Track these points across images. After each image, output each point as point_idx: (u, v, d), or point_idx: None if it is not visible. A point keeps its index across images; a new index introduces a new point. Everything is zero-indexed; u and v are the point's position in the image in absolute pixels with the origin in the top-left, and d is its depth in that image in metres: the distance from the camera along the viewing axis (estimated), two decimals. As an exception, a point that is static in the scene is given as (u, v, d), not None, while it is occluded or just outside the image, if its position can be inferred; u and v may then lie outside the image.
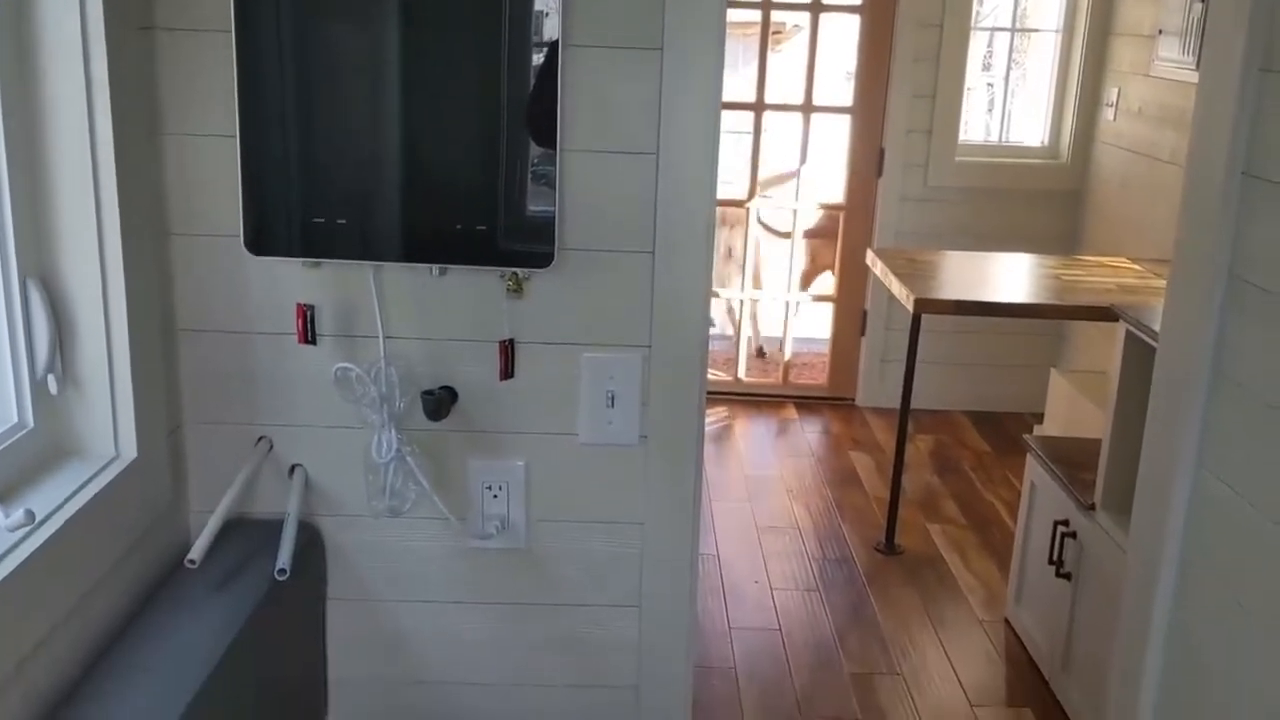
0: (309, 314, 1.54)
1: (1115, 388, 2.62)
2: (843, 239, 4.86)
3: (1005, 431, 4.62)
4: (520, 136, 1.49)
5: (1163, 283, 3.48)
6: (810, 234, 5.49)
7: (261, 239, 1.46)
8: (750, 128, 4.80)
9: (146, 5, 1.46)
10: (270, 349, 1.58)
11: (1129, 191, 4.24)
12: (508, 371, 1.60)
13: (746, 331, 5.04)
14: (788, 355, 5.02)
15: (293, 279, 1.55)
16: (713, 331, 5.53)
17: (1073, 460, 2.91)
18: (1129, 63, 4.31)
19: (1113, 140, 4.41)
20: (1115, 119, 4.40)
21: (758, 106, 4.74)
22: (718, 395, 4.95)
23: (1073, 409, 4.10)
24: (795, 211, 4.95)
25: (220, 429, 1.62)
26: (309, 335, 1.55)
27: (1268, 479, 1.53)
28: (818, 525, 3.78)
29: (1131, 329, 2.55)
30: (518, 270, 1.56)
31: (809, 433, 4.62)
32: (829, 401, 4.94)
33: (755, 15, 4.70)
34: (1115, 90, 4.40)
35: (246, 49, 1.41)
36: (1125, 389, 2.61)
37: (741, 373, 5.02)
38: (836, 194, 4.89)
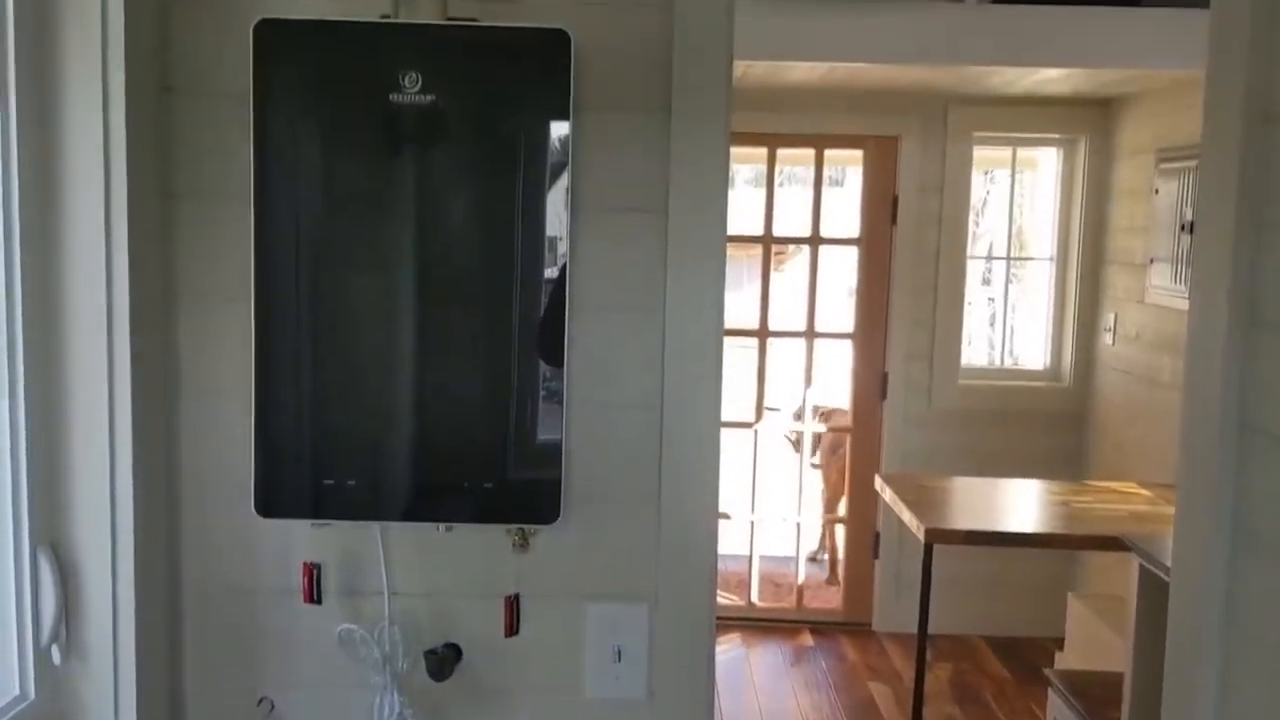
0: (315, 573, 1.55)
1: (1133, 624, 2.57)
2: (851, 461, 4.88)
3: (1025, 658, 4.50)
4: (526, 397, 1.54)
5: (1173, 509, 3.47)
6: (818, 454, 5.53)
7: (272, 502, 1.48)
8: (755, 348, 4.90)
9: (170, 275, 1.53)
10: (274, 608, 1.58)
11: (1133, 415, 4.29)
12: (513, 628, 1.59)
13: (760, 551, 4.99)
14: (800, 578, 4.95)
15: (300, 538, 1.56)
16: (723, 552, 5.49)
17: (1096, 696, 2.83)
18: (1123, 289, 4.43)
19: (1113, 364, 4.49)
20: (1114, 343, 4.49)
21: (761, 333, 4.85)
22: (730, 620, 4.85)
23: (1092, 636, 4.02)
24: (801, 434, 4.99)
25: (221, 690, 1.59)
26: (314, 594, 1.55)
27: (1294, 737, 1.49)
28: (836, 763, 3.64)
29: (1144, 564, 2.53)
30: (524, 526, 1.57)
31: (825, 661, 4.50)
32: (845, 627, 4.84)
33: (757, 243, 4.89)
34: (1112, 316, 4.51)
35: (263, 320, 1.47)
36: (1143, 624, 2.56)
37: (754, 597, 4.94)
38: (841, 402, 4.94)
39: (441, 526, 1.56)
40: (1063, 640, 4.37)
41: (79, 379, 1.39)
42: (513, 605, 1.58)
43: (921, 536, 3.19)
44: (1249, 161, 1.61)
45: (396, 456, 1.51)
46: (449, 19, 1.47)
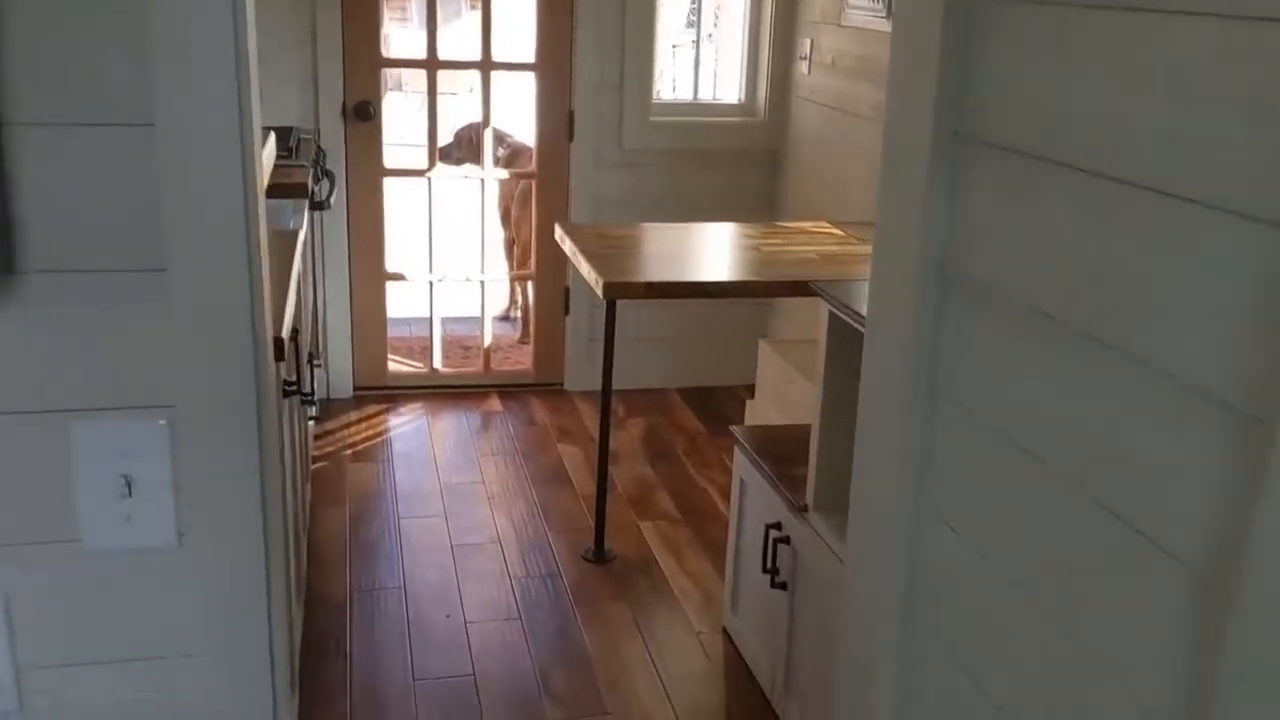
0: None
1: (822, 378, 2.32)
2: (538, 210, 4.44)
3: (718, 408, 4.37)
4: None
5: (866, 249, 3.27)
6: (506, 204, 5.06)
7: None
8: (424, 87, 4.28)
9: None
10: None
11: (827, 150, 4.04)
12: (-49, 462, 1.07)
13: (441, 313, 4.54)
14: (488, 340, 4.57)
15: None
16: (404, 315, 5.01)
17: (783, 454, 2.62)
18: (820, 11, 4.09)
19: (808, 95, 4.20)
20: (810, 72, 4.18)
21: (430, 64, 4.22)
22: (411, 390, 4.44)
23: (784, 381, 3.87)
24: (483, 180, 4.48)
25: None
26: None
27: (999, 526, 1.22)
28: (521, 536, 3.36)
29: (835, 311, 2.25)
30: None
31: (514, 426, 4.20)
32: (536, 389, 4.54)
33: (421, -39, 4.17)
34: (808, 42, 4.18)
35: None
36: (833, 377, 2.32)
37: (437, 363, 4.53)
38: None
39: None
40: (753, 387, 4.25)
41: None
42: (-60, 431, 1.05)
43: (600, 292, 2.82)
44: None
45: None
46: None
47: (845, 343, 2.29)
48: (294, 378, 2.27)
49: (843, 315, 2.20)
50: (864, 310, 2.07)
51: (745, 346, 4.46)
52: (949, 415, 1.29)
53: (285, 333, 2.00)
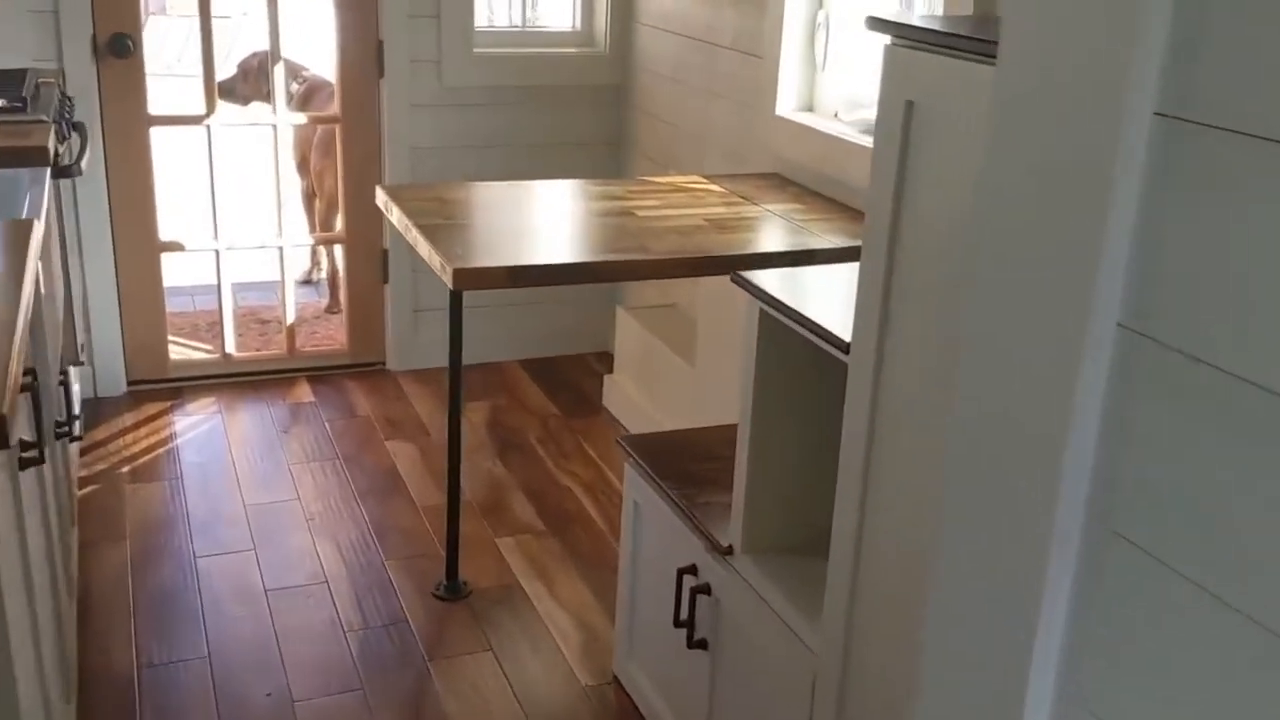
0: None
1: (751, 394, 1.82)
2: (344, 159, 3.75)
3: (569, 383, 3.84)
4: None
5: (756, 210, 2.77)
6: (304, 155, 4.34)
7: None
8: (195, 11, 3.51)
9: None
10: None
11: (684, 88, 3.51)
12: None
13: (232, 279, 3.80)
14: (291, 318, 3.87)
15: None
16: (183, 284, 4.24)
17: (689, 473, 2.12)
18: (670, -75, 3.53)
19: (659, 22, 3.64)
20: (659, -4, 3.62)
21: (201, -13, 3.45)
22: (200, 382, 3.72)
23: (646, 354, 3.40)
24: (275, 127, 3.74)
25: None
26: None
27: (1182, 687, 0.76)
28: (354, 571, 2.76)
29: (772, 312, 1.75)
30: None
31: (331, 420, 3.55)
32: (352, 370, 3.88)
33: None
34: (656, -40, 3.62)
35: None
36: (763, 392, 1.82)
37: (230, 347, 3.80)
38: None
39: None
40: (609, 357, 3.75)
41: None
42: None
43: (450, 282, 2.22)
44: None
45: None
46: None
47: (779, 344, 1.80)
48: (34, 436, 1.62)
49: (777, 314, 1.70)
50: (818, 318, 1.50)
51: (593, 310, 3.94)
52: (1120, 554, 0.82)
53: (11, 386, 1.36)
